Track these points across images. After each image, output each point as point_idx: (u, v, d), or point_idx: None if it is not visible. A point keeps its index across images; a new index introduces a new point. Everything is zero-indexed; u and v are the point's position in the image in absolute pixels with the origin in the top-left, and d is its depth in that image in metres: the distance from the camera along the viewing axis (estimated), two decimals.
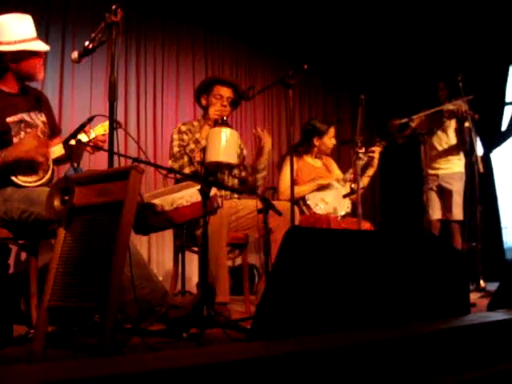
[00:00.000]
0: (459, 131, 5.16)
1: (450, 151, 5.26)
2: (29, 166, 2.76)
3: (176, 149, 3.64)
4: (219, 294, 3.16)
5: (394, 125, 5.09)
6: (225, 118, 3.62)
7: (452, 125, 5.25)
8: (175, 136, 3.69)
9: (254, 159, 3.82)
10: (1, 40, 2.74)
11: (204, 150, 3.54)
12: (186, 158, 3.58)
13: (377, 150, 4.37)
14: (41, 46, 2.88)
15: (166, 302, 2.53)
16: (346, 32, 6.80)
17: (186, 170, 3.55)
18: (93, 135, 2.82)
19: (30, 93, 3.00)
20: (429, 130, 5.20)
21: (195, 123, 3.79)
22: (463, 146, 5.07)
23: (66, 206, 2.11)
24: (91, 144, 2.82)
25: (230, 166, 3.60)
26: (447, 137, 5.28)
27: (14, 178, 2.73)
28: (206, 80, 3.93)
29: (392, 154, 4.69)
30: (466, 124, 4.85)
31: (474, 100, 4.97)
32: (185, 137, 3.66)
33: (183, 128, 3.72)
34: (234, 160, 3.51)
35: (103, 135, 2.84)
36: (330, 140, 4.43)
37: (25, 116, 2.86)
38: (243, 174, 3.82)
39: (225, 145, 3.44)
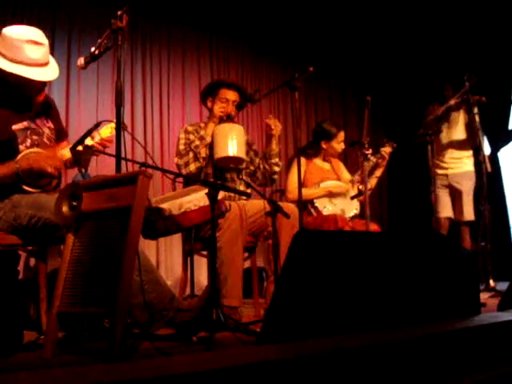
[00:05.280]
0: (468, 124, 5.11)
1: (460, 147, 5.22)
2: (39, 176, 2.75)
3: (182, 146, 3.65)
4: (230, 298, 3.15)
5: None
6: (232, 114, 3.65)
7: (460, 119, 5.21)
8: (182, 135, 3.70)
9: (265, 146, 3.81)
10: (5, 53, 2.72)
11: (210, 146, 3.55)
12: (191, 154, 3.59)
13: (387, 151, 4.36)
14: (35, 75, 2.73)
15: (174, 306, 2.53)
16: (351, 34, 6.80)
17: (192, 166, 3.56)
18: (98, 138, 2.80)
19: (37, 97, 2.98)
20: (436, 130, 5.18)
21: (202, 124, 3.81)
22: (474, 139, 5.02)
23: (74, 211, 2.12)
24: (98, 143, 2.79)
25: (239, 161, 3.58)
26: (456, 132, 5.23)
27: (24, 186, 2.74)
28: (211, 83, 3.92)
29: (399, 155, 4.68)
30: (476, 115, 4.81)
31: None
32: (191, 136, 3.67)
33: (190, 128, 3.74)
34: (243, 154, 3.50)
35: (109, 136, 2.83)
36: (338, 144, 4.41)
37: (30, 123, 2.86)
38: (258, 175, 3.82)
39: (232, 140, 3.44)
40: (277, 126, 3.70)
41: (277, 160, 3.80)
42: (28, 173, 2.69)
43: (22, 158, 2.73)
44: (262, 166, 3.82)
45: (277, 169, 3.81)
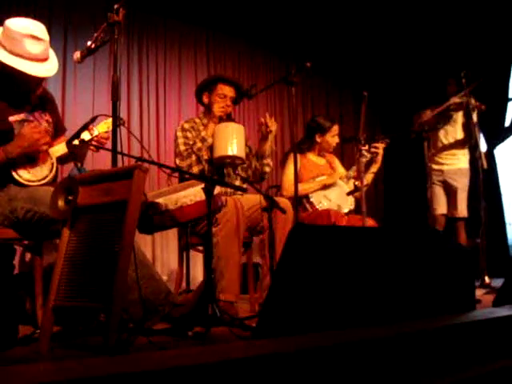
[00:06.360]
0: (466, 125, 5.14)
1: (457, 146, 5.25)
2: (30, 158, 2.76)
3: (182, 147, 3.62)
4: (227, 292, 3.15)
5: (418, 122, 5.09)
6: (231, 113, 3.66)
7: (459, 119, 5.23)
8: (179, 134, 3.68)
9: (259, 146, 3.79)
10: (5, 44, 2.71)
11: (211, 147, 3.55)
12: (193, 157, 3.57)
13: (380, 147, 4.34)
14: (31, 69, 2.71)
15: (170, 301, 2.53)
16: (348, 29, 6.80)
17: (195, 169, 3.55)
18: (96, 132, 2.81)
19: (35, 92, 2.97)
20: (433, 127, 5.19)
21: (197, 120, 3.78)
22: (470, 140, 5.05)
23: (70, 205, 2.12)
24: (94, 141, 2.81)
25: (238, 160, 3.57)
26: (454, 131, 5.27)
27: (14, 174, 2.73)
28: (208, 78, 3.90)
29: (395, 151, 4.68)
30: (474, 117, 4.82)
31: (477, 96, 4.95)
32: (189, 134, 3.65)
33: (186, 126, 3.71)
34: (242, 154, 3.50)
35: (106, 132, 2.83)
36: (332, 138, 4.38)
37: (28, 115, 2.86)
38: (249, 172, 3.81)
39: (232, 139, 3.44)
40: (273, 125, 3.69)
41: (268, 160, 3.79)
42: (15, 145, 2.71)
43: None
44: (253, 165, 3.80)
45: (267, 169, 3.79)
